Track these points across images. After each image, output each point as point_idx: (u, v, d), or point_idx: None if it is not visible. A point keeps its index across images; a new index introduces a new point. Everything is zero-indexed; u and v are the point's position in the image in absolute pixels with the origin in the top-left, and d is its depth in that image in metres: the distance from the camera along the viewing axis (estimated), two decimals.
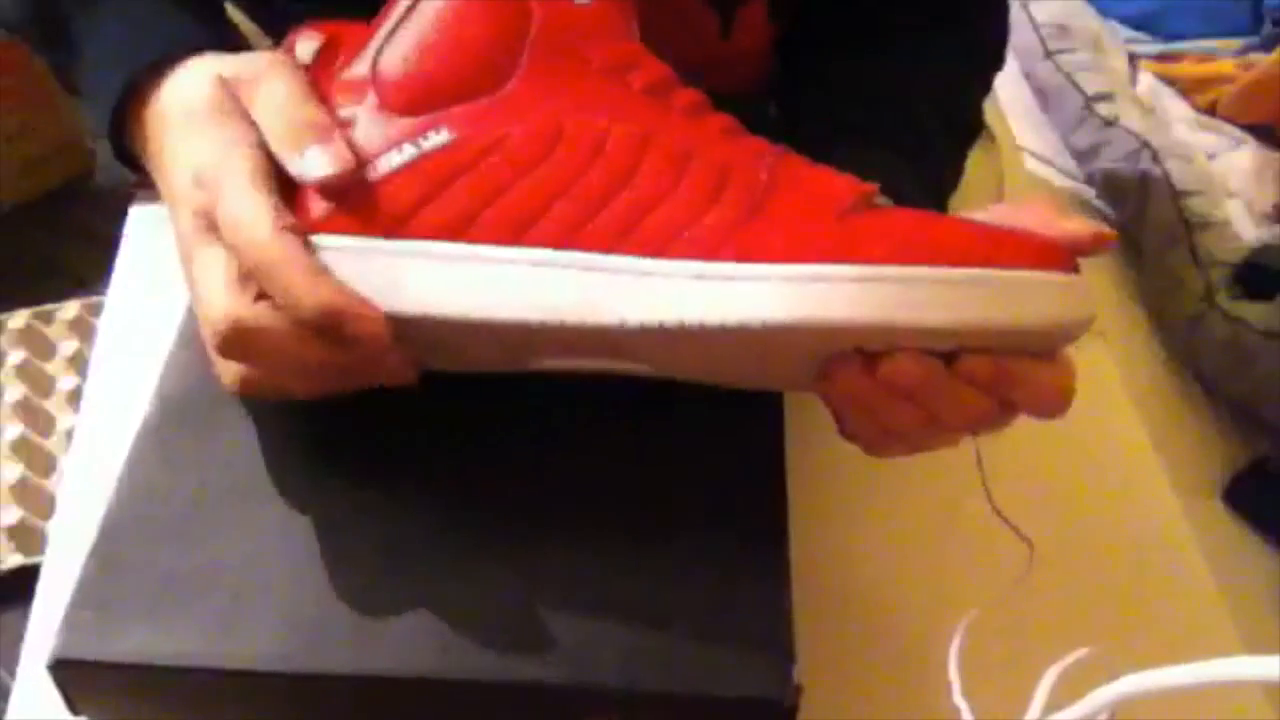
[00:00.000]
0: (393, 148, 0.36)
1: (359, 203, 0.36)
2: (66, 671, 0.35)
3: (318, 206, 0.36)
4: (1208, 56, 0.87)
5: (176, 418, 0.40)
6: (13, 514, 1.16)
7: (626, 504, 0.39)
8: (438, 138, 0.36)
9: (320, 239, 0.35)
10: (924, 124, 0.53)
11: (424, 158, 0.36)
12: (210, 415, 0.41)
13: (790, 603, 0.38)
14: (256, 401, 0.41)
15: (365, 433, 0.41)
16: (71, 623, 0.35)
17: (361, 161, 0.36)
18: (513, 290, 0.35)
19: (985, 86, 0.62)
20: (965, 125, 0.58)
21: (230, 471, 0.39)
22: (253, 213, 0.35)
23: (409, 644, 0.35)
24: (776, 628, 0.37)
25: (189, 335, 0.43)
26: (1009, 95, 0.90)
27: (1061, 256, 0.36)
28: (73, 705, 0.36)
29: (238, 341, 0.35)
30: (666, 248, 0.36)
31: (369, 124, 0.37)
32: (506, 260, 0.35)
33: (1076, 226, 0.37)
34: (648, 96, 0.37)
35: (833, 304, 0.35)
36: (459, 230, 0.35)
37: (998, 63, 0.62)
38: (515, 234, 0.35)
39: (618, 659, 0.35)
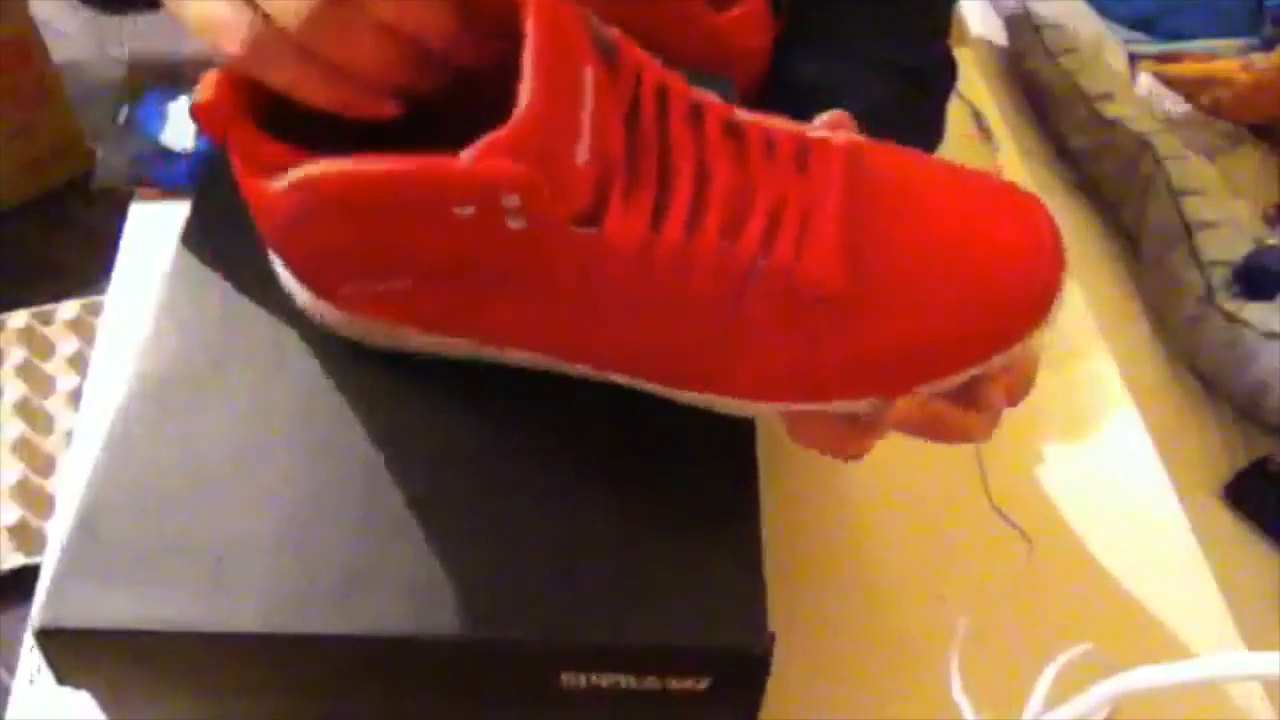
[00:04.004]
0: None
1: None
2: (53, 640, 0.35)
3: None
4: (1208, 56, 0.87)
5: (157, 388, 0.41)
6: (13, 514, 1.16)
7: (598, 462, 0.40)
8: None
9: None
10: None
11: None
12: (191, 384, 0.41)
13: (761, 556, 0.38)
14: (236, 372, 0.41)
15: (344, 399, 0.41)
16: (57, 591, 0.35)
17: None
18: None
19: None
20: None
21: (211, 439, 0.39)
22: None
23: (388, 605, 0.36)
24: (749, 580, 0.37)
25: (168, 309, 0.43)
26: (1009, 95, 0.90)
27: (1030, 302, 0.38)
28: (59, 673, 0.37)
29: None
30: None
31: None
32: None
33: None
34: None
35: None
36: None
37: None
38: None
39: (590, 614, 0.36)
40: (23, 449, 1.21)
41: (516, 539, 0.38)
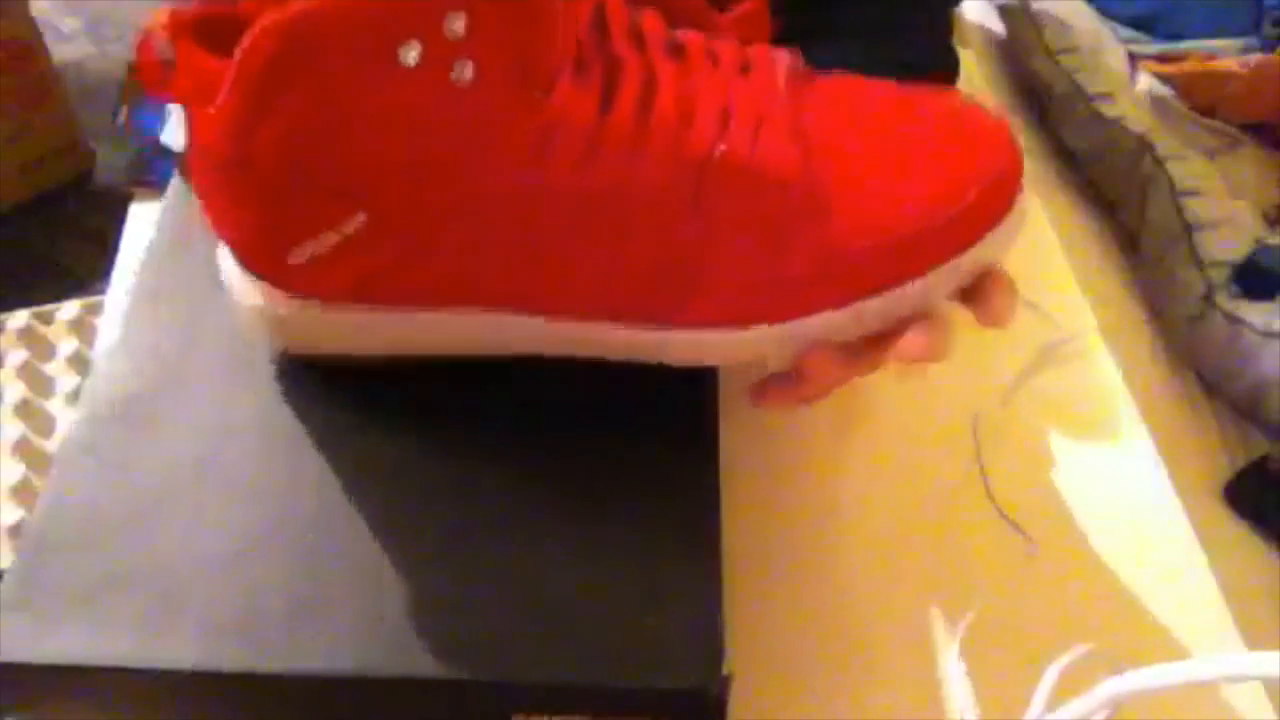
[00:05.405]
0: None
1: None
2: None
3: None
4: (1208, 56, 0.87)
5: (106, 420, 0.40)
6: (13, 514, 1.15)
7: (552, 496, 0.40)
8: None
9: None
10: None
11: None
12: (139, 418, 0.41)
13: (721, 594, 0.37)
14: (183, 399, 0.41)
15: (293, 433, 0.41)
16: (1, 626, 0.35)
17: None
18: None
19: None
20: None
21: (159, 473, 0.39)
22: None
23: (335, 642, 0.35)
24: (706, 617, 0.37)
25: (120, 338, 0.43)
26: (1008, 95, 0.90)
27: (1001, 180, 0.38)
28: (2, 709, 0.36)
29: None
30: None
31: None
32: None
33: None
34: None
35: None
36: None
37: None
38: None
39: (541, 654, 0.36)
40: (23, 449, 1.21)
41: (467, 575, 0.37)
